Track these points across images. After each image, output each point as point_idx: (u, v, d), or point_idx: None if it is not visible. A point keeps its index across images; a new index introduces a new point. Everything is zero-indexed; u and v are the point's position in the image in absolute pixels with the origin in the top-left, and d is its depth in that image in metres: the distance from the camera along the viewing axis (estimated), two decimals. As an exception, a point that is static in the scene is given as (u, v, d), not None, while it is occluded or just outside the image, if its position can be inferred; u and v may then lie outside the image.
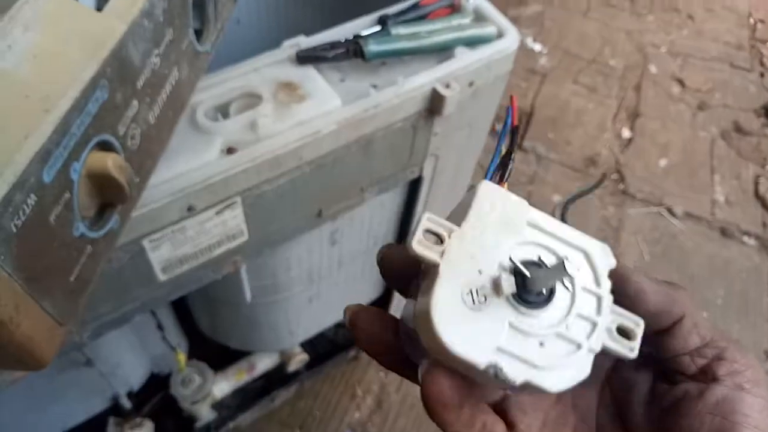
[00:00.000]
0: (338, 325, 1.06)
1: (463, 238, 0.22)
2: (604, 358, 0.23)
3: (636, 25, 2.14)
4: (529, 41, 2.01)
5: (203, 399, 0.91)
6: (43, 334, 0.31)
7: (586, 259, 0.24)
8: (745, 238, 1.56)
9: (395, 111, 0.56)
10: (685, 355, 0.25)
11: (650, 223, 1.58)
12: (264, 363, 1.03)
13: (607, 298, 0.23)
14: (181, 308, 0.87)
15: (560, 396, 0.26)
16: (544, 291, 0.23)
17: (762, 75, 2.02)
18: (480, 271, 0.22)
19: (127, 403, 0.87)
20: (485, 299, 0.22)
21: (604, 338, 0.23)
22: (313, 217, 0.61)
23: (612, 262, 0.24)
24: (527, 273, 0.22)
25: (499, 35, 0.61)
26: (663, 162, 1.73)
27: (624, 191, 1.65)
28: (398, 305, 1.04)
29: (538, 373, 0.22)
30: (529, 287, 0.22)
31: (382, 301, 1.02)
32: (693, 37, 2.15)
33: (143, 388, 0.94)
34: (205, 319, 0.89)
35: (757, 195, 1.65)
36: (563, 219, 0.25)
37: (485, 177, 0.25)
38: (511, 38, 0.61)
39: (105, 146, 0.35)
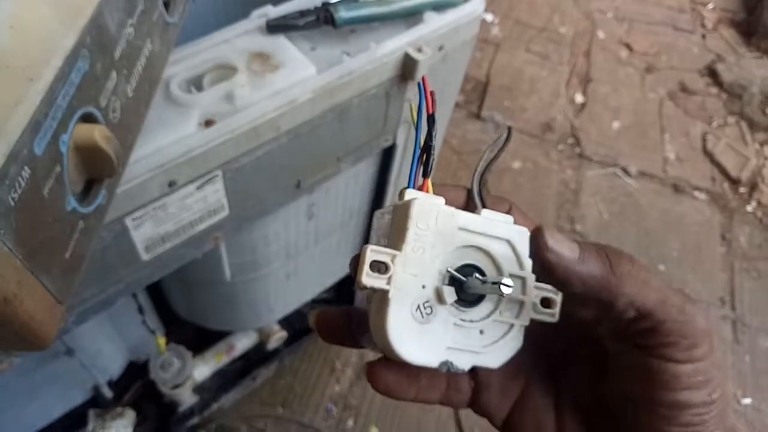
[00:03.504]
0: (315, 301, 1.07)
1: (406, 261, 0.24)
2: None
3: (583, -9, 2.18)
4: (481, 11, 2.02)
5: (184, 382, 0.90)
6: (44, 312, 0.31)
7: (510, 246, 0.26)
8: (696, 193, 1.63)
9: (369, 77, 0.56)
10: (620, 325, 0.25)
11: (607, 183, 1.63)
12: (243, 343, 1.03)
13: (530, 278, 0.26)
14: (156, 293, 0.86)
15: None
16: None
17: (704, 36, 2.10)
18: (424, 286, 0.25)
19: (108, 393, 0.85)
20: (431, 310, 0.25)
21: (531, 313, 0.27)
22: (292, 189, 0.61)
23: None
24: (464, 279, 0.25)
25: (465, -1, 0.61)
26: (616, 124, 1.78)
27: (580, 154, 1.69)
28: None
29: (482, 357, 0.26)
30: (467, 292, 0.25)
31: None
32: (637, 2, 2.21)
33: (121, 378, 0.92)
34: (181, 302, 0.88)
35: (705, 151, 1.73)
36: (479, 190, 0.28)
37: (409, 173, 0.27)
38: (477, 1, 0.62)
39: (89, 119, 0.34)
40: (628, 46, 2.03)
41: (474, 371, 0.27)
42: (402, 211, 0.25)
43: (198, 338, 1.00)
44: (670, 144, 1.74)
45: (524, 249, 0.27)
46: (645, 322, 0.24)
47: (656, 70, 1.96)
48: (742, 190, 1.64)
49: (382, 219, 0.28)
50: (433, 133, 0.27)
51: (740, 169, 1.67)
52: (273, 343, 1.04)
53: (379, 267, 0.24)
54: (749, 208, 1.60)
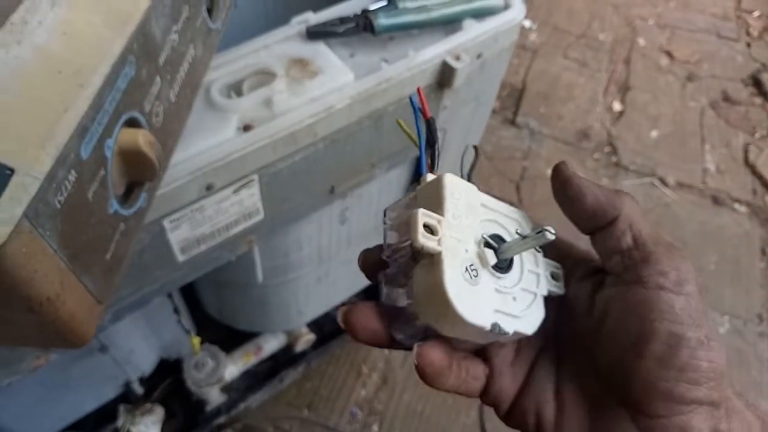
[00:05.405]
0: (344, 304, 1.07)
1: (450, 226, 0.26)
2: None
3: (623, -2, 2.14)
4: (518, 17, 2.00)
5: (216, 382, 0.91)
6: (84, 312, 0.31)
7: (519, 225, 0.29)
8: (736, 206, 1.58)
9: (406, 84, 0.56)
10: (616, 254, 0.27)
11: (643, 193, 1.60)
12: (271, 344, 1.03)
13: (539, 253, 0.29)
14: (188, 292, 0.87)
15: None
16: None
17: (749, 45, 2.04)
18: (466, 250, 0.26)
19: (138, 389, 0.87)
20: (477, 273, 0.26)
21: (548, 284, 0.29)
22: (326, 194, 0.61)
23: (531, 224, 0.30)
24: (497, 246, 0.27)
25: (506, 6, 0.61)
26: (654, 133, 1.74)
27: (617, 163, 1.66)
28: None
29: (520, 322, 0.27)
30: (500, 258, 0.27)
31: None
32: (680, 8, 2.16)
33: (152, 375, 0.94)
34: (213, 302, 0.89)
35: (747, 163, 1.68)
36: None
37: (419, 168, 0.29)
38: (518, 9, 0.61)
39: (133, 123, 0.35)
40: (669, 54, 1.98)
41: (487, 358, 0.29)
42: (433, 188, 0.27)
43: (227, 338, 1.01)
44: (710, 155, 1.70)
45: (529, 228, 0.29)
46: (638, 252, 0.26)
47: (698, 78, 1.91)
48: (785, 204, 1.58)
49: (396, 212, 0.29)
50: (434, 131, 0.29)
51: (784, 183, 1.62)
52: (301, 346, 1.05)
53: (428, 230, 0.25)
54: (793, 223, 1.55)
